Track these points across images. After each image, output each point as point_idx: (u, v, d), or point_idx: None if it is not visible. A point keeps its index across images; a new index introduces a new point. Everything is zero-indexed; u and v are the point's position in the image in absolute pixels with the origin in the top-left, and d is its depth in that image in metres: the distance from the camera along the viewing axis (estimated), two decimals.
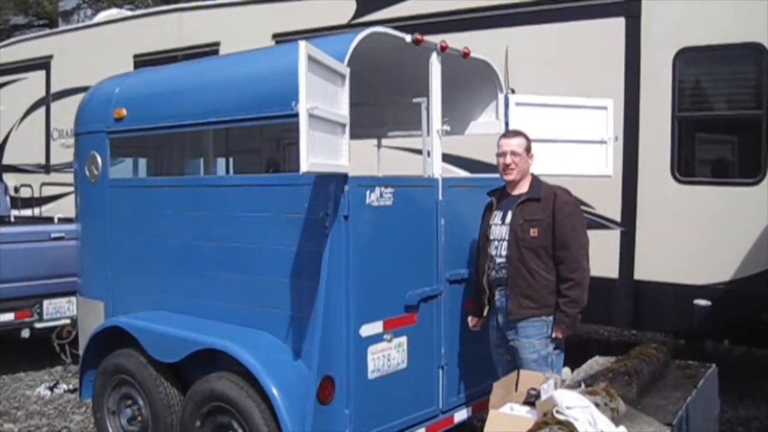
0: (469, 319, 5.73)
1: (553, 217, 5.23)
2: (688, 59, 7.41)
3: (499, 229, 5.47)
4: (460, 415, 5.87)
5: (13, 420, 7.60)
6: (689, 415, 4.45)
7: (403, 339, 5.26)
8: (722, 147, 7.92)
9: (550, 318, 5.28)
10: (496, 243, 5.49)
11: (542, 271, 5.26)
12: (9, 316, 8.76)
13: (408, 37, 5.43)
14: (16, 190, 13.64)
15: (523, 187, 5.45)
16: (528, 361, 5.27)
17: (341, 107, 4.73)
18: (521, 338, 5.34)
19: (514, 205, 5.39)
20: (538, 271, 5.26)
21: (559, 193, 5.32)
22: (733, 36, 7.12)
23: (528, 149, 5.45)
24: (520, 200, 5.38)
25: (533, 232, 5.25)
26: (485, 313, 5.63)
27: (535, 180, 5.47)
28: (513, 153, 5.39)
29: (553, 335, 5.27)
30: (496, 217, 5.51)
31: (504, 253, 5.42)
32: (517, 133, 5.53)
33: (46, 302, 9.00)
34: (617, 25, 7.69)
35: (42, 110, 14.02)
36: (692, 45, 7.35)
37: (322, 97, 4.42)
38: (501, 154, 5.45)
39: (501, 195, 5.58)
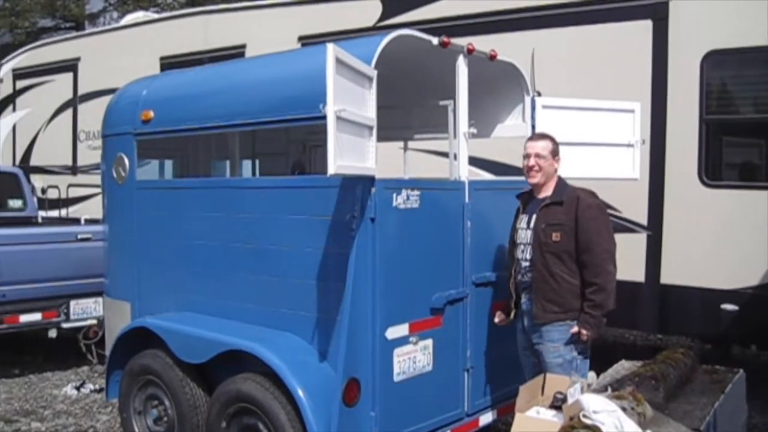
0: (497, 314, 5.72)
1: (576, 221, 5.20)
2: (715, 62, 7.36)
3: (525, 233, 5.46)
4: (485, 418, 5.86)
5: (40, 419, 7.66)
6: (717, 420, 4.42)
7: (429, 342, 5.26)
8: (750, 150, 7.86)
9: (575, 322, 5.25)
10: (522, 247, 5.48)
11: (566, 276, 5.23)
12: (36, 316, 8.84)
13: (435, 40, 5.42)
14: (44, 191, 13.75)
15: (548, 191, 5.42)
16: (552, 365, 5.25)
17: (368, 110, 4.74)
18: (546, 342, 5.32)
19: (538, 208, 5.39)
20: (561, 275, 5.23)
21: (582, 196, 5.27)
22: (761, 38, 7.05)
23: (554, 152, 5.41)
24: (543, 204, 5.36)
25: (555, 236, 5.23)
26: (512, 316, 5.62)
27: (560, 183, 5.43)
28: (537, 156, 5.37)
29: (576, 332, 5.22)
30: (523, 221, 5.50)
31: (528, 257, 5.41)
32: (543, 136, 5.51)
33: (72, 302, 9.07)
34: (644, 27, 7.65)
35: (69, 112, 14.13)
36: (720, 48, 7.30)
37: (349, 100, 4.42)
38: (526, 157, 5.43)
39: (528, 198, 5.56)
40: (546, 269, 5.27)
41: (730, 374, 5.18)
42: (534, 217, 5.40)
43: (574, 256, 5.22)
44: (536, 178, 5.40)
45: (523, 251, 5.47)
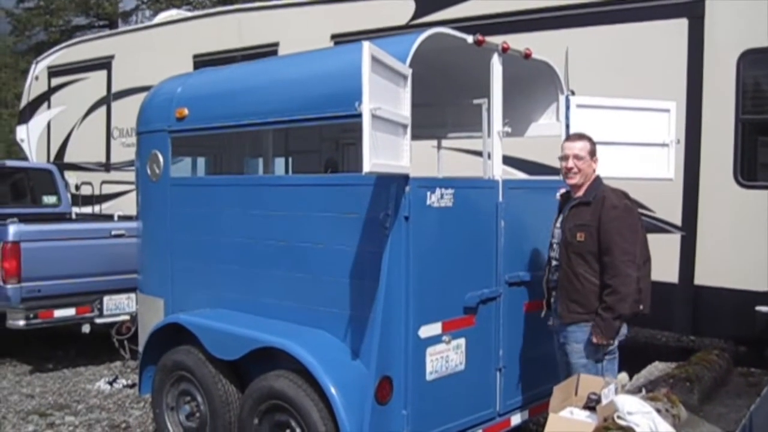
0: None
1: (599, 221, 5.15)
2: (752, 61, 7.28)
3: (558, 232, 5.45)
4: (517, 418, 5.83)
5: (74, 413, 7.74)
6: (752, 423, 4.38)
7: (462, 341, 5.25)
8: None
9: None
10: (554, 246, 5.47)
11: (589, 276, 5.19)
12: (70, 312, 8.94)
13: (470, 38, 5.41)
14: (77, 187, 13.89)
15: (582, 191, 5.38)
16: (577, 366, 5.22)
17: (403, 108, 4.73)
18: (571, 342, 5.30)
19: (569, 209, 5.37)
20: (584, 275, 5.19)
21: (608, 197, 5.21)
22: None
23: (592, 153, 5.36)
24: (572, 204, 5.34)
25: (580, 236, 5.19)
26: (543, 314, 5.60)
27: (594, 183, 5.37)
28: (576, 157, 5.33)
29: (592, 339, 5.19)
30: (558, 220, 5.48)
31: (558, 256, 5.40)
32: (581, 137, 5.46)
33: (106, 298, 9.17)
34: (680, 26, 7.58)
35: (103, 109, 14.26)
36: (757, 46, 7.21)
37: (384, 98, 4.42)
38: (564, 158, 5.39)
39: (566, 198, 5.54)
40: (570, 269, 5.24)
41: (765, 377, 5.13)
42: (564, 216, 5.39)
43: (598, 257, 5.18)
44: (575, 179, 5.36)
45: (554, 250, 5.46)
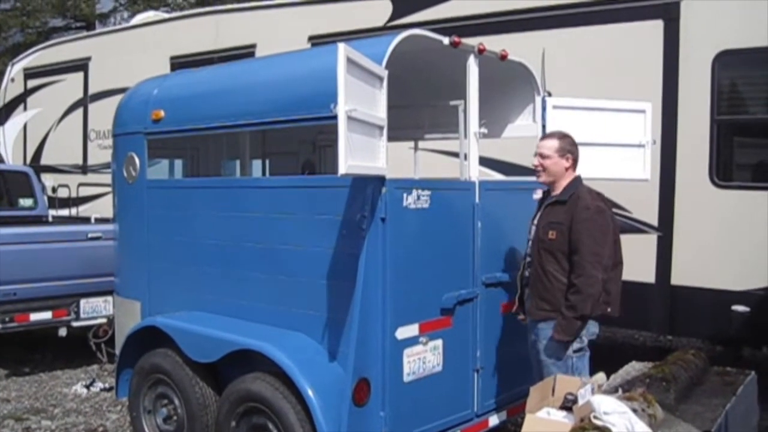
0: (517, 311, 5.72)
1: (571, 221, 5.18)
2: (727, 62, 7.33)
3: (533, 228, 5.48)
4: (495, 419, 5.86)
5: (50, 417, 7.68)
6: (728, 422, 4.41)
7: (439, 342, 5.26)
8: (761, 151, 7.82)
9: None
10: (530, 243, 5.49)
11: (558, 274, 5.21)
12: (46, 315, 8.87)
13: (446, 40, 5.42)
14: (54, 190, 13.79)
15: (559, 189, 5.41)
16: (547, 363, 5.26)
17: (379, 109, 4.73)
18: (541, 340, 5.33)
19: (544, 207, 5.39)
20: (553, 273, 5.22)
21: (582, 197, 5.23)
22: None
23: (561, 151, 5.35)
24: (548, 202, 5.38)
25: (551, 234, 5.21)
26: (514, 309, 5.64)
27: (572, 183, 5.38)
28: (541, 155, 5.38)
29: (553, 336, 5.21)
30: (535, 218, 5.50)
31: (530, 252, 5.42)
32: (551, 135, 5.49)
33: (83, 301, 9.09)
34: (655, 27, 7.62)
35: (80, 111, 14.17)
36: (731, 48, 7.26)
37: (360, 100, 4.42)
38: (534, 155, 5.45)
39: (544, 196, 5.57)
40: (540, 266, 5.28)
41: (741, 376, 5.16)
42: (539, 214, 5.43)
43: (568, 256, 5.20)
44: (541, 177, 5.42)
45: (529, 247, 5.49)
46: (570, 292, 5.13)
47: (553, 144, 5.38)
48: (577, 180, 5.41)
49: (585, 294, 5.07)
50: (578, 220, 5.14)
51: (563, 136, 5.44)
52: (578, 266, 5.12)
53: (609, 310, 5.27)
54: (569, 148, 5.39)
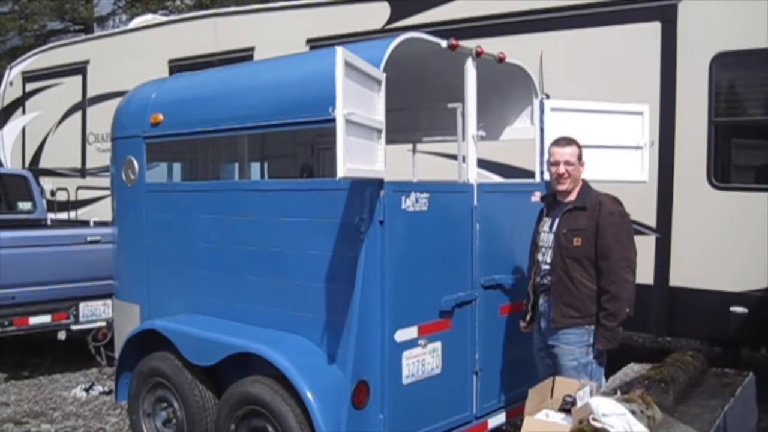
0: (520, 322, 5.71)
1: (597, 227, 5.17)
2: (724, 64, 7.34)
3: (547, 236, 5.46)
4: (494, 421, 5.86)
5: (49, 421, 7.69)
6: (726, 423, 4.42)
7: (438, 344, 5.26)
8: (759, 152, 7.82)
9: (592, 327, 5.23)
10: (543, 250, 5.48)
11: (585, 281, 5.22)
12: (46, 318, 8.87)
13: (443, 43, 5.43)
14: (53, 193, 13.81)
15: (572, 195, 5.39)
16: (567, 368, 5.25)
17: (377, 113, 4.74)
18: (562, 345, 5.32)
19: (561, 213, 5.38)
20: (580, 280, 5.22)
21: (604, 202, 5.24)
22: None
23: (580, 157, 5.38)
24: (566, 209, 5.35)
25: (576, 241, 5.21)
26: (527, 318, 5.63)
27: (584, 188, 5.40)
28: (567, 162, 5.34)
29: (597, 347, 5.23)
30: (546, 224, 5.49)
31: (549, 260, 5.41)
32: (570, 141, 5.45)
33: (82, 305, 9.10)
34: (653, 29, 7.63)
35: (78, 115, 14.17)
36: (729, 49, 7.27)
37: (358, 103, 4.43)
38: (554, 164, 5.38)
39: (552, 202, 5.55)
40: (566, 274, 5.26)
41: (739, 377, 5.16)
42: (557, 221, 5.39)
43: (594, 262, 5.20)
44: (565, 185, 5.38)
45: (544, 254, 5.47)
46: (605, 300, 5.14)
47: (574, 151, 5.38)
48: (587, 184, 5.42)
49: (622, 300, 5.11)
50: (605, 226, 5.15)
51: (578, 143, 5.44)
52: (610, 272, 5.13)
53: (628, 310, 5.27)
54: (582, 153, 5.42)
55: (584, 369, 5.22)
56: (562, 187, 5.40)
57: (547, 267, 5.42)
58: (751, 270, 7.12)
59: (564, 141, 5.48)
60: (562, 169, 5.34)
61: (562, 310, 5.27)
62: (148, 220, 6.53)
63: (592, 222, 5.19)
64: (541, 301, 5.50)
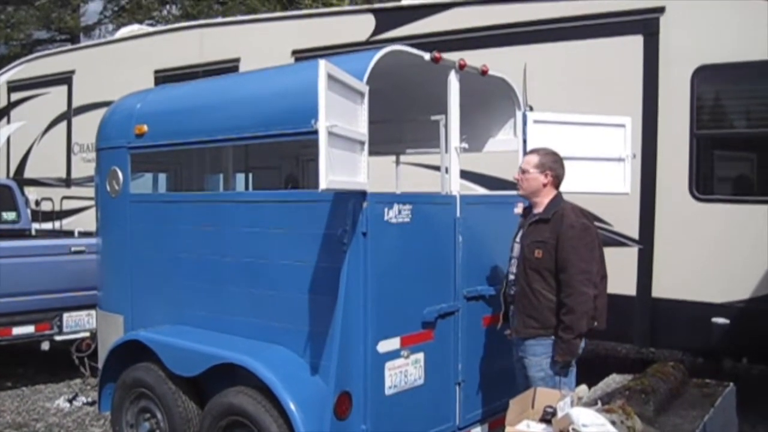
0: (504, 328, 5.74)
1: (557, 239, 5.20)
2: (706, 77, 7.40)
3: (517, 247, 5.50)
4: None
5: None
6: None
7: (421, 355, 5.28)
8: (741, 165, 7.90)
9: (554, 338, 5.28)
10: (513, 260, 5.52)
11: (546, 292, 5.24)
12: (29, 329, 8.83)
13: (426, 55, 5.47)
14: (37, 203, 13.75)
15: (541, 207, 5.43)
16: (535, 379, 5.27)
17: (360, 125, 4.77)
18: (528, 356, 5.35)
19: (527, 224, 5.42)
20: (540, 291, 5.24)
21: (566, 215, 5.26)
22: (751, 53, 7.09)
23: (540, 166, 5.39)
24: (531, 220, 5.40)
25: (537, 252, 5.24)
26: (499, 326, 5.66)
27: (554, 200, 5.41)
28: (521, 170, 5.45)
29: (555, 358, 5.26)
30: (518, 235, 5.53)
31: (515, 270, 5.45)
32: (535, 151, 5.53)
33: (65, 315, 9.06)
34: (635, 42, 7.69)
35: (63, 125, 14.13)
36: (711, 63, 7.34)
37: (341, 115, 4.45)
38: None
39: (527, 213, 5.60)
40: (527, 285, 5.29)
41: (720, 387, 5.19)
42: (522, 231, 5.45)
43: (555, 274, 5.23)
44: (520, 191, 5.49)
45: (512, 264, 5.52)
46: (563, 313, 5.16)
47: (533, 159, 5.43)
48: (559, 197, 5.44)
49: (579, 313, 5.11)
50: (564, 239, 5.17)
51: (546, 153, 5.47)
52: (568, 285, 5.15)
53: (596, 323, 5.30)
54: (550, 164, 5.42)
55: (552, 379, 5.24)
56: (519, 193, 5.53)
57: (513, 277, 5.48)
58: (733, 281, 7.17)
59: (530, 150, 5.62)
60: (517, 175, 5.48)
61: (524, 321, 5.31)
62: (133, 230, 6.53)
63: (553, 234, 5.21)
64: (511, 311, 5.55)
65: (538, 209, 5.42)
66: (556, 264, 5.18)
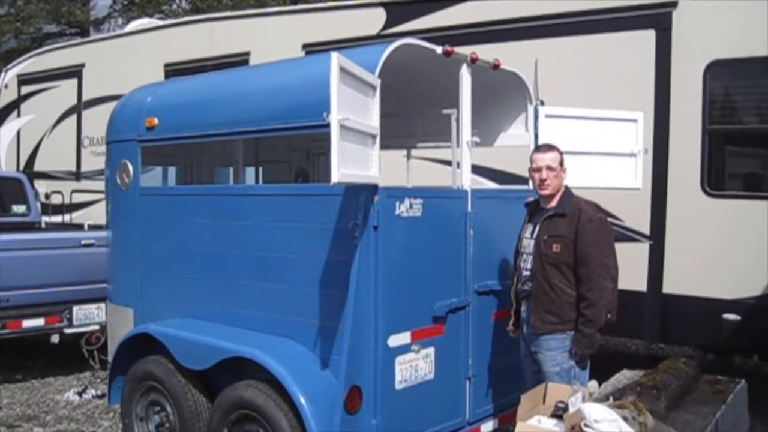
0: (509, 326, 5.74)
1: (576, 233, 5.20)
2: (718, 72, 7.37)
3: (528, 242, 5.48)
4: (487, 427, 5.85)
5: (42, 424, 7.67)
6: (718, 430, 4.43)
7: (431, 350, 5.27)
8: (752, 160, 7.87)
9: (573, 333, 5.25)
10: (524, 256, 5.50)
11: (564, 287, 5.24)
12: (39, 322, 8.86)
13: (438, 49, 5.44)
14: (47, 196, 13.77)
15: (554, 201, 5.42)
16: (550, 374, 5.27)
17: (372, 118, 4.75)
18: (544, 351, 5.35)
19: (542, 219, 5.40)
20: (560, 286, 5.25)
21: (584, 209, 5.27)
22: (764, 48, 7.04)
23: (561, 163, 5.41)
24: (546, 215, 5.38)
25: (556, 247, 5.24)
26: (511, 324, 5.65)
27: (566, 194, 5.43)
28: (548, 168, 5.37)
29: (574, 352, 5.25)
30: (528, 230, 5.52)
31: (529, 266, 5.43)
32: (551, 148, 5.49)
33: (75, 308, 9.09)
34: (647, 37, 7.65)
35: (73, 118, 14.14)
36: (723, 58, 7.30)
37: (353, 108, 4.44)
38: (536, 170, 5.42)
39: (535, 208, 5.58)
40: (545, 280, 5.28)
41: (731, 384, 5.18)
42: (538, 227, 5.42)
43: (573, 268, 5.23)
44: (548, 190, 5.40)
45: (525, 260, 5.49)
46: (584, 307, 5.16)
47: (556, 156, 5.42)
48: (569, 191, 5.45)
49: (600, 306, 5.13)
50: (584, 233, 5.18)
51: (558, 148, 5.48)
52: (588, 279, 5.15)
53: (609, 316, 5.29)
54: (563, 159, 5.44)
55: (567, 374, 5.24)
56: (545, 192, 5.43)
57: (527, 273, 5.45)
58: (744, 277, 7.14)
59: (545, 147, 5.55)
60: (544, 174, 5.38)
61: (542, 316, 5.30)
62: (143, 223, 6.53)
63: (571, 228, 5.21)
64: (523, 307, 5.53)
65: (551, 203, 5.41)
66: (575, 258, 5.18)
